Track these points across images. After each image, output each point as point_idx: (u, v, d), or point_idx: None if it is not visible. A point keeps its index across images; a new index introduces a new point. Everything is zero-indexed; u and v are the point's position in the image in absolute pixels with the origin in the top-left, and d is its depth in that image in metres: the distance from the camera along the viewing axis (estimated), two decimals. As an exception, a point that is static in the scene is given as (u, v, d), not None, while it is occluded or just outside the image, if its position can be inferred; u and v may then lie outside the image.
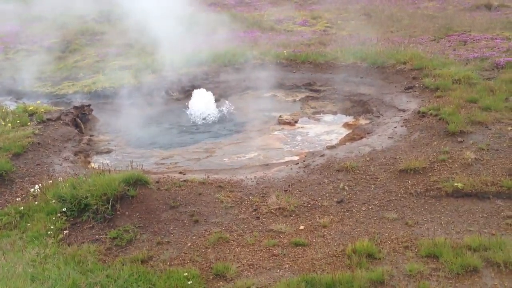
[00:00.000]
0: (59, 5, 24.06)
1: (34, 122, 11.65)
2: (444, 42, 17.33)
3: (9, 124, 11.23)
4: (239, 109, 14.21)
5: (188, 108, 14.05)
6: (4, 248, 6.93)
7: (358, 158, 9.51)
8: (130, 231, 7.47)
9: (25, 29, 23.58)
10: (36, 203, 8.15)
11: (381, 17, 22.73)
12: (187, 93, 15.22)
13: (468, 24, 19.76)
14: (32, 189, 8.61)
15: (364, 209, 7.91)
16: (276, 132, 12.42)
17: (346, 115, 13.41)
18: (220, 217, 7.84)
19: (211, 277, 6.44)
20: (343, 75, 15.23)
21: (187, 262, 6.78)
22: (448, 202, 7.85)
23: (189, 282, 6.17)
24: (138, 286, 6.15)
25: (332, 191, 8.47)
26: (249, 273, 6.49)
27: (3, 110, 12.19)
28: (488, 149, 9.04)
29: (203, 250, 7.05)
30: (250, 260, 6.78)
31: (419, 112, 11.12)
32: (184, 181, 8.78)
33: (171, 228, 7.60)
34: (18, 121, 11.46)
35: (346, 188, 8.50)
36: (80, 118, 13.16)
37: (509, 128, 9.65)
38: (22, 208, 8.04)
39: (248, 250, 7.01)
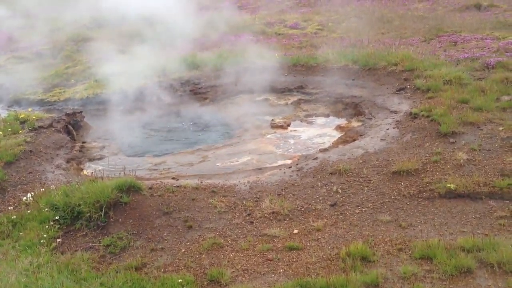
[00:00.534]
0: (50, 11, 23.98)
1: (25, 129, 11.59)
2: (434, 43, 17.39)
3: (0, 132, 11.18)
4: (231, 113, 14.20)
5: (181, 113, 14.03)
6: (-4, 257, 6.90)
7: (351, 160, 9.53)
8: (123, 238, 7.44)
9: (15, 35, 23.48)
10: (28, 211, 8.10)
11: (372, 19, 22.78)
12: (179, 98, 15.21)
13: (458, 25, 19.84)
14: (25, 198, 8.56)
15: (357, 211, 7.92)
16: (268, 136, 12.42)
17: (339, 118, 13.42)
18: (214, 222, 7.83)
19: (205, 283, 6.43)
20: (335, 77, 15.25)
21: (181, 268, 6.76)
22: (441, 203, 7.87)
23: (184, 289, 6.17)
24: (132, 293, 6.14)
25: (326, 194, 8.48)
26: (243, 278, 6.48)
27: (-6, 118, 12.13)
28: (480, 150, 9.07)
29: (197, 256, 7.03)
30: (244, 265, 6.77)
31: (411, 113, 11.15)
32: (177, 186, 8.76)
33: (165, 234, 7.58)
34: (10, 129, 11.41)
35: (340, 191, 8.51)
36: (72, 125, 13.11)
37: (501, 128, 9.69)
38: (15, 217, 7.99)
39: (242, 255, 7.00)
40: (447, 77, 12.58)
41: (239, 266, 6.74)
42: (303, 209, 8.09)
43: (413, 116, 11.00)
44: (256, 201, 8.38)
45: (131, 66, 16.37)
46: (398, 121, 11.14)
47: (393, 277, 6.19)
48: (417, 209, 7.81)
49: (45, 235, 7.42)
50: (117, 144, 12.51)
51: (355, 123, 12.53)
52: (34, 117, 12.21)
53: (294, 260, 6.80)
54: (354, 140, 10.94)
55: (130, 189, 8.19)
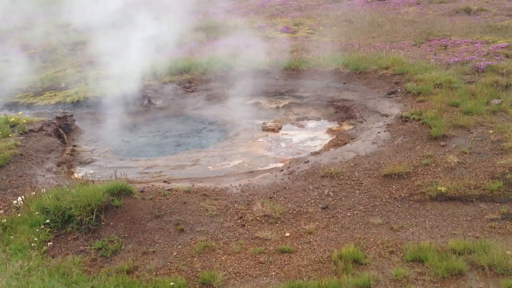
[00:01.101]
0: (39, 15, 23.88)
1: (16, 133, 11.52)
2: (425, 47, 17.47)
3: (-9, 136, 11.12)
4: (222, 116, 14.20)
5: (172, 116, 14.00)
6: (-13, 261, 6.84)
7: (343, 164, 9.55)
8: (115, 241, 7.41)
9: (4, 39, 23.36)
10: (19, 215, 8.05)
11: (363, 23, 22.85)
12: (170, 102, 15.19)
13: (448, 29, 19.95)
14: (15, 201, 8.50)
15: (349, 214, 7.95)
16: (260, 139, 12.41)
17: (330, 121, 13.44)
18: (206, 225, 7.82)
19: (197, 286, 6.42)
20: (326, 81, 15.28)
21: (173, 272, 6.75)
22: (432, 206, 7.91)
23: (176, 292, 6.15)
24: (124, 297, 6.12)
25: (317, 197, 8.49)
26: (235, 282, 6.48)
27: (-16, 122, 12.04)
28: (470, 153, 9.13)
29: (189, 259, 7.02)
30: (236, 268, 6.77)
31: (402, 117, 11.20)
32: (169, 190, 8.74)
33: (157, 237, 7.56)
34: (0, 133, 11.33)
35: (331, 194, 8.54)
36: (63, 128, 13.04)
37: (491, 132, 9.77)
38: (5, 220, 7.94)
39: (234, 258, 7.00)
40: (437, 81, 12.66)
41: (231, 269, 6.74)
42: (294, 212, 8.10)
43: (404, 119, 11.04)
44: (247, 204, 8.38)
45: (122, 69, 16.32)
46: (389, 124, 11.18)
47: (384, 280, 6.21)
48: (409, 212, 7.85)
49: (36, 239, 7.37)
50: (108, 147, 12.47)
51: (346, 127, 12.56)
52: (24, 121, 12.14)
53: (286, 263, 6.81)
54: (346, 143, 10.97)
55: (122, 192, 8.15)
